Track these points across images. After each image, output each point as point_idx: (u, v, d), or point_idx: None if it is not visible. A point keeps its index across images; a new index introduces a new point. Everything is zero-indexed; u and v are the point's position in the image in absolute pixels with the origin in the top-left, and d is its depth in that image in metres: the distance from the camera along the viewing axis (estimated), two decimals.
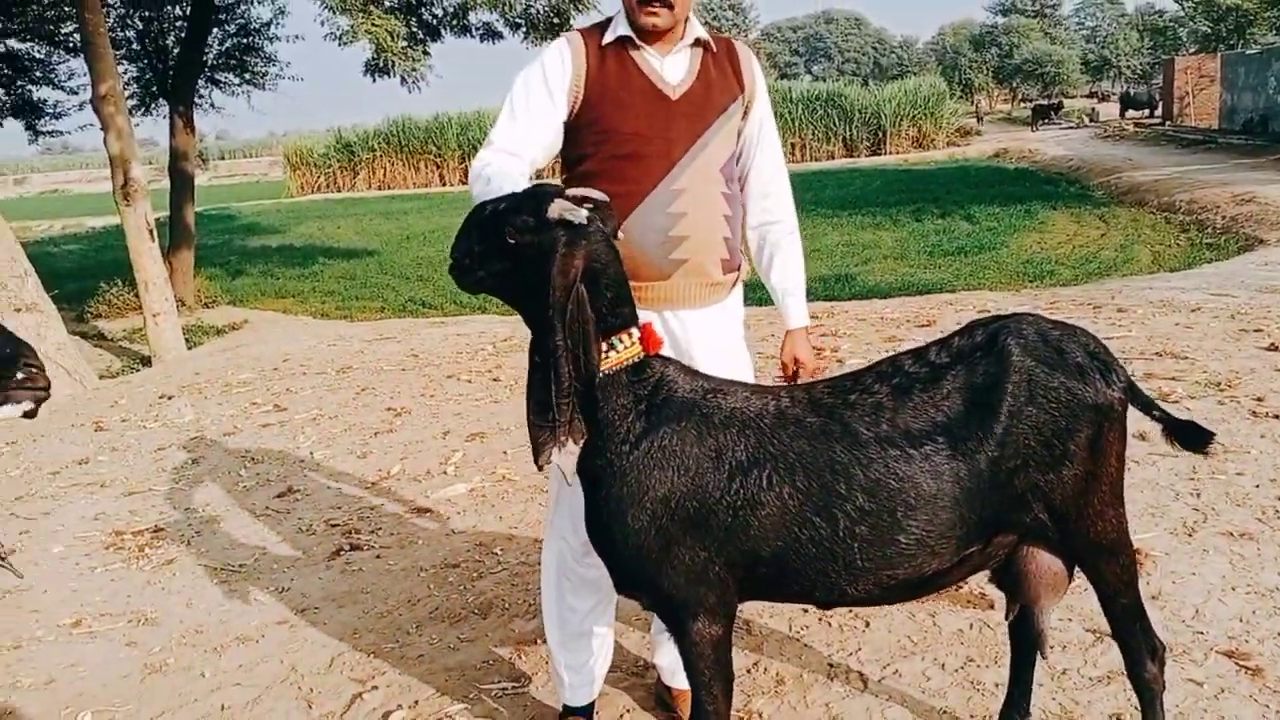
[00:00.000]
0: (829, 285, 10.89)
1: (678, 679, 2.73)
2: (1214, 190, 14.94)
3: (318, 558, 4.14)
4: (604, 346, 2.00)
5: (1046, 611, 2.15)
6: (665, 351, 2.16)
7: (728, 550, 1.97)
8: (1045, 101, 44.41)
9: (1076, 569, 2.14)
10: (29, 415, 2.03)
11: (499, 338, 8.68)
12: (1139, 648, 2.14)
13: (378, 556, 4.10)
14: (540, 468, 1.99)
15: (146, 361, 9.85)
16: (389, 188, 36.07)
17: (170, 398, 7.32)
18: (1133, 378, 2.11)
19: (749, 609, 3.29)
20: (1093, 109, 42.32)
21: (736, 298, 2.57)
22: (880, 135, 33.28)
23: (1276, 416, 4.71)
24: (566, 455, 1.96)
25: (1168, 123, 32.10)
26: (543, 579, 2.64)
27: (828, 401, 2.03)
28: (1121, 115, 38.18)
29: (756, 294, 2.89)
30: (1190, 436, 2.11)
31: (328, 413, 6.53)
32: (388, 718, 2.89)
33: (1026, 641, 2.40)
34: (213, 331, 11.62)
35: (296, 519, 4.62)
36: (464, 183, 35.98)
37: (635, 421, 2.00)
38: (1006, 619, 2.33)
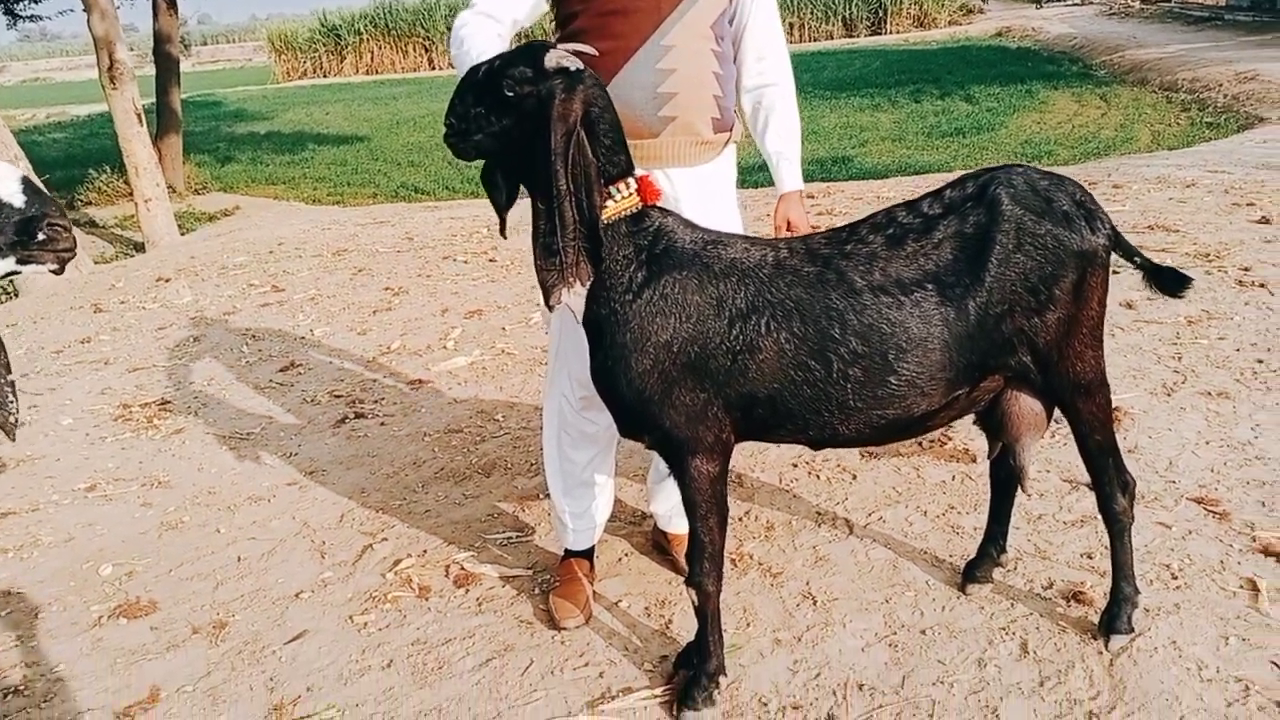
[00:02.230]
0: (826, 167, 10.82)
1: (673, 524, 2.87)
2: (1217, 68, 14.67)
3: (323, 425, 4.26)
4: (603, 195, 2.05)
5: (1027, 449, 2.26)
6: None
7: (726, 392, 2.06)
8: None
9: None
10: (55, 273, 2.08)
11: (492, 222, 8.66)
12: (1111, 482, 2.26)
13: (382, 424, 4.22)
14: (551, 308, 2.06)
15: (140, 248, 9.83)
16: (377, 73, 35.25)
17: (167, 280, 7.36)
18: (1126, 263, 2.17)
19: (739, 462, 3.42)
20: None
21: (729, 158, 2.60)
22: (881, 14, 32.36)
23: (1261, 285, 4.79)
24: (575, 296, 2.04)
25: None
26: (544, 433, 2.74)
27: (824, 251, 2.09)
28: None
29: (753, 176, 2.91)
30: (1170, 281, 2.18)
31: (325, 293, 6.58)
32: (397, 565, 3.03)
33: (1006, 481, 2.53)
34: (204, 218, 11.58)
35: (300, 390, 4.72)
36: (453, 67, 35.15)
37: (637, 271, 2.07)
38: (989, 458, 2.45)
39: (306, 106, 24.46)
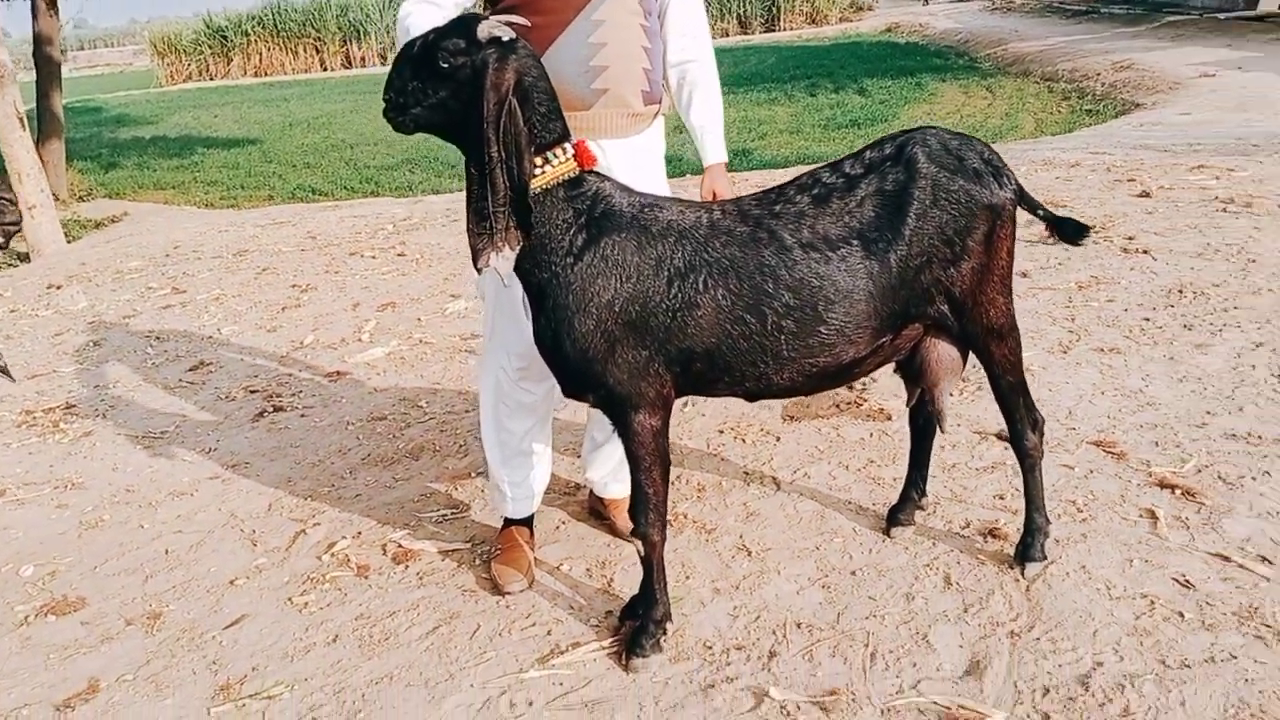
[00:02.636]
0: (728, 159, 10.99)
1: (609, 489, 2.94)
2: (1095, 59, 15.41)
3: (241, 420, 4.19)
4: (539, 161, 2.11)
5: (945, 393, 2.39)
6: None
7: (667, 349, 2.14)
8: None
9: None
10: (1, 247, 2.04)
11: (397, 218, 8.59)
12: (1022, 420, 2.42)
13: (302, 415, 4.18)
14: (479, 271, 2.10)
15: (24, 257, 9.43)
16: (266, 74, 34.31)
17: (59, 287, 7.09)
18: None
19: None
20: None
21: (658, 130, 2.68)
22: (775, 11, 32.91)
23: (1145, 251, 5.09)
24: (503, 260, 2.08)
25: None
26: (481, 405, 2.77)
27: (755, 212, 2.18)
28: None
29: (684, 165, 2.99)
30: (1070, 230, 2.34)
31: (230, 292, 6.44)
32: (333, 548, 3.02)
33: (924, 427, 2.67)
34: (91, 225, 11.14)
35: (213, 388, 4.63)
36: (345, 68, 34.69)
37: (577, 235, 2.13)
38: (908, 405, 2.58)
39: (193, 110, 23.73)
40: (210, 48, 34.96)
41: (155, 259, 7.82)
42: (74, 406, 4.54)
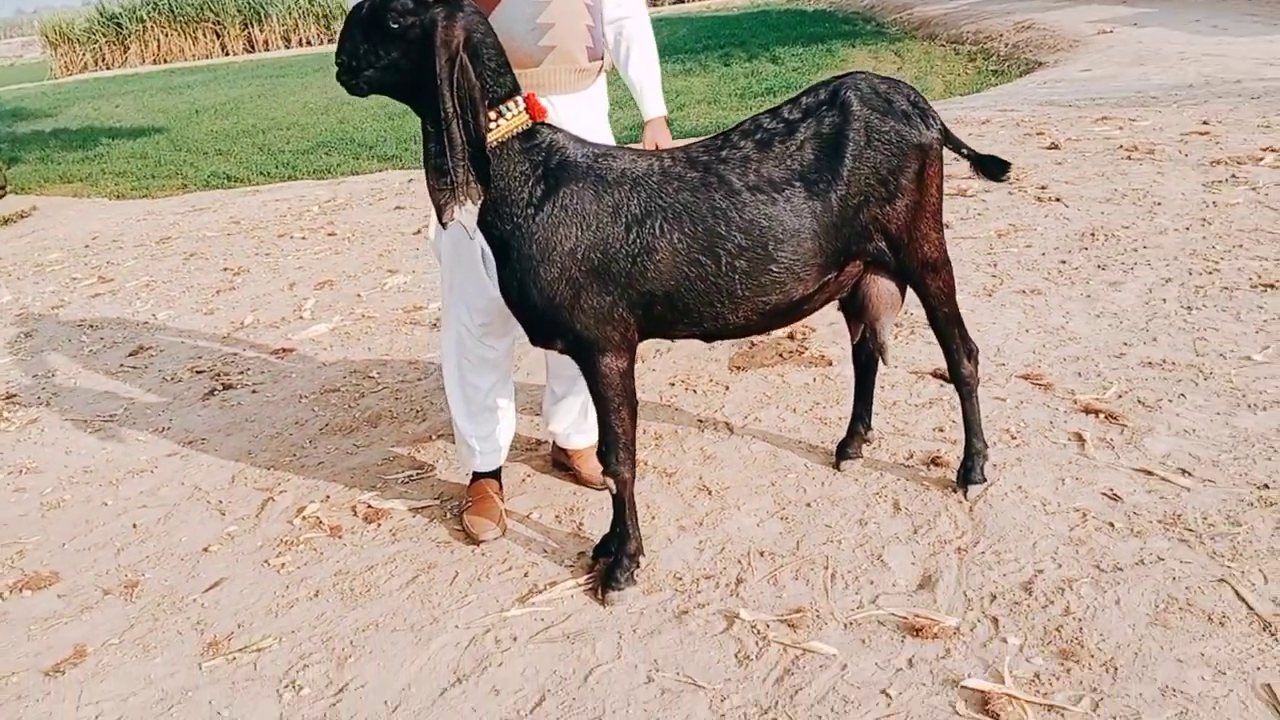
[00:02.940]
0: None
1: (572, 440, 3.05)
2: (997, 20, 15.85)
3: (191, 400, 4.19)
4: (493, 115, 2.20)
5: (886, 327, 2.56)
6: None
7: (629, 293, 2.26)
8: None
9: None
10: None
11: (321, 199, 8.52)
12: (958, 349, 2.60)
13: (254, 391, 4.19)
14: (444, 225, 2.18)
15: None
16: (165, 62, 33.23)
17: None
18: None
19: None
20: None
21: (601, 86, 2.79)
22: None
23: (1057, 199, 5.36)
24: (466, 214, 2.17)
25: None
26: (444, 363, 2.86)
27: (703, 159, 2.31)
28: None
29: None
30: (993, 166, 2.50)
31: (159, 279, 6.36)
32: (302, 512, 3.09)
33: (867, 363, 2.84)
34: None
35: (157, 371, 4.61)
36: (249, 52, 33.81)
37: (535, 186, 2.22)
38: (852, 343, 2.74)
39: (92, 100, 22.95)
40: (105, 36, 33.77)
41: (75, 250, 7.65)
42: (14, 396, 4.48)
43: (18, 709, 2.34)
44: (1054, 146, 6.58)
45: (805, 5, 26.32)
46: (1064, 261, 4.44)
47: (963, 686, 2.05)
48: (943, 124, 2.43)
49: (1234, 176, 5.45)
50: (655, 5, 32.33)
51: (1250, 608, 2.19)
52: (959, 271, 4.44)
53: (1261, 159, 5.72)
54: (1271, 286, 3.90)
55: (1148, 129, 6.87)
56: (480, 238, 2.40)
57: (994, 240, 4.85)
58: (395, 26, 2.13)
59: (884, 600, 2.35)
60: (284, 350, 4.67)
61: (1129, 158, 6.09)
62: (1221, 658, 2.06)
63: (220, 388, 4.27)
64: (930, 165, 2.38)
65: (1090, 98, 8.45)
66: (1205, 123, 6.83)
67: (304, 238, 7.02)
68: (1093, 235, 4.74)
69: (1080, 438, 2.96)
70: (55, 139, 16.91)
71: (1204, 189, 5.30)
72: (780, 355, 3.81)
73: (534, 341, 2.39)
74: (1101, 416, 3.07)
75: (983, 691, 2.02)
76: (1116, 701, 1.98)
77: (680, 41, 20.00)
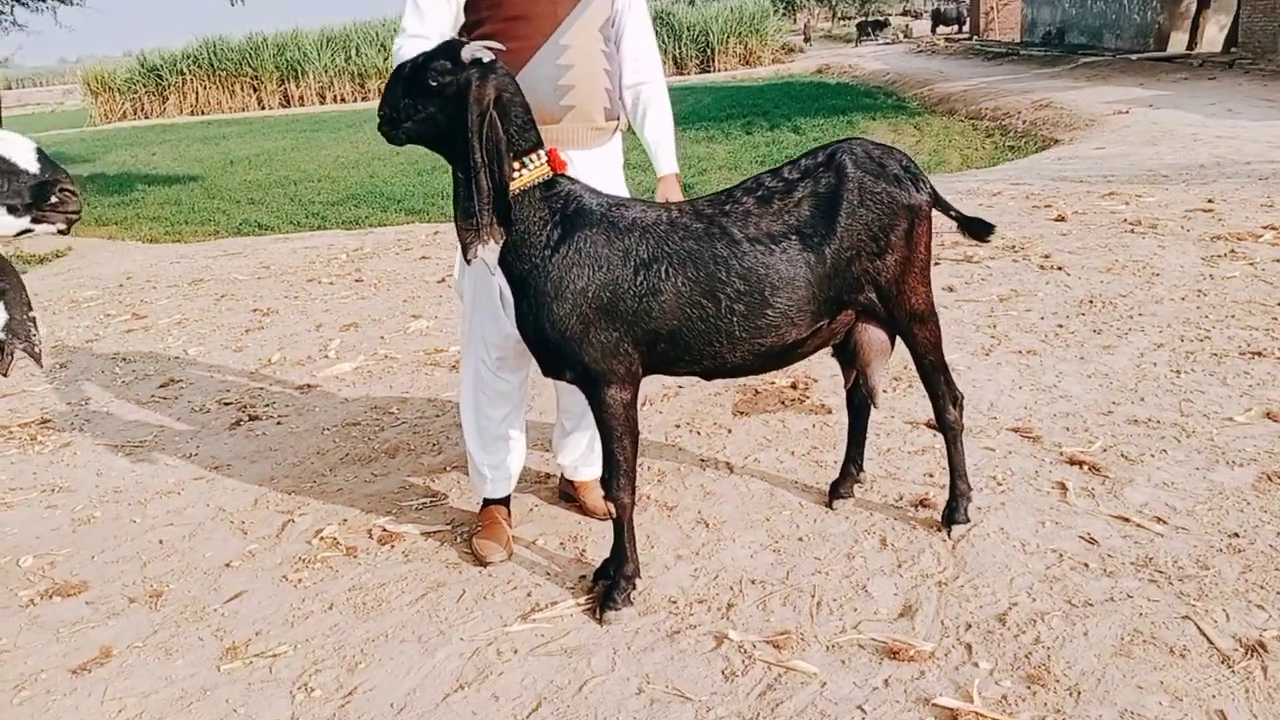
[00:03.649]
0: None
1: (580, 473, 3.22)
2: (1016, 98, 16.21)
3: (218, 429, 4.39)
4: (517, 165, 2.41)
5: (877, 373, 2.72)
6: None
7: (635, 330, 2.45)
8: (871, 19, 45.91)
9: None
10: (62, 233, 2.34)
11: (349, 248, 8.79)
12: (944, 396, 2.76)
13: (278, 423, 4.38)
14: (469, 262, 2.39)
15: None
16: (202, 113, 34.22)
17: None
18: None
19: None
20: (907, 26, 44.17)
21: (617, 144, 3.01)
22: (709, 53, 33.88)
23: (1059, 268, 5.55)
24: (489, 252, 2.38)
25: (975, 37, 34.00)
26: (461, 394, 3.04)
27: (708, 211, 2.51)
28: (933, 31, 40.03)
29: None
30: (978, 227, 2.69)
31: (191, 317, 6.60)
32: (321, 533, 3.25)
33: (860, 406, 3.00)
34: (34, 259, 11.13)
35: (186, 402, 4.81)
36: (284, 107, 34.71)
37: (553, 230, 2.43)
38: (845, 388, 2.91)
39: (130, 148, 23.64)
40: (145, 86, 34.85)
41: (109, 289, 7.93)
42: (49, 421, 4.68)
43: (46, 703, 2.50)
44: (1060, 219, 6.79)
45: (828, 78, 26.92)
46: (1061, 326, 4.61)
47: (933, 704, 2.18)
48: (932, 187, 2.63)
49: (1233, 251, 5.63)
50: (681, 74, 33.11)
51: (1211, 642, 2.32)
52: (960, 332, 4.65)
53: (1261, 236, 5.90)
54: (1259, 354, 4.05)
55: (1153, 205, 7.08)
56: (500, 276, 2.60)
57: (995, 304, 5.02)
58: (434, 84, 2.36)
59: (865, 626, 2.49)
60: (308, 386, 4.87)
61: (1132, 231, 6.28)
62: (1180, 686, 2.19)
63: (246, 419, 4.46)
64: (919, 224, 2.57)
65: (1102, 175, 8.68)
66: (1210, 200, 7.03)
67: (331, 283, 7.27)
68: (1091, 302, 4.91)
69: (1063, 486, 3.10)
70: (93, 183, 17.42)
71: (1203, 262, 5.48)
72: (782, 402, 3.97)
73: (545, 372, 2.58)
74: (1085, 468, 3.21)
75: (952, 709, 2.15)
76: None
77: (705, 109, 20.48)
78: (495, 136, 2.35)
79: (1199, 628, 2.37)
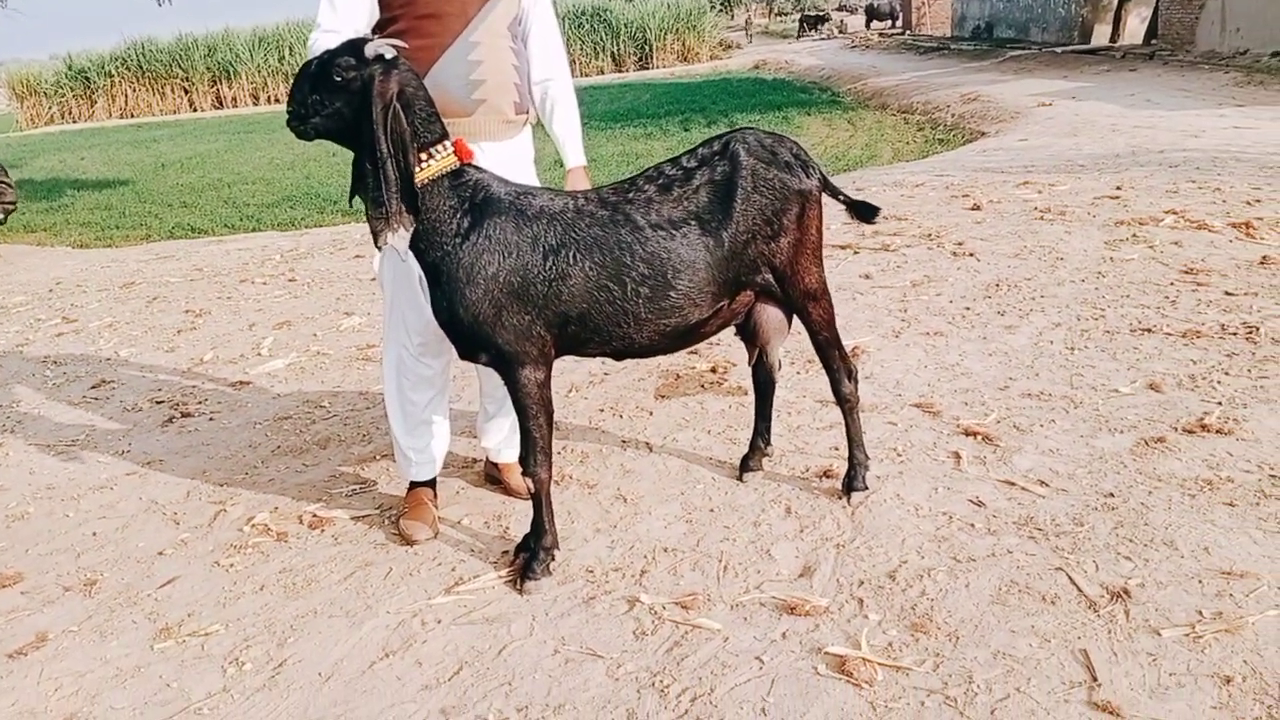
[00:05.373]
0: None
1: (503, 455, 3.35)
2: (945, 92, 16.63)
3: (150, 426, 4.44)
4: (424, 156, 2.55)
5: (776, 349, 2.91)
6: None
7: (545, 314, 2.59)
8: (812, 14, 46.37)
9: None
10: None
11: (284, 249, 8.81)
12: (839, 369, 2.94)
13: (210, 419, 4.45)
14: (379, 248, 2.52)
15: None
16: (132, 116, 33.61)
17: None
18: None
19: (556, 411, 3.94)
20: (841, 21, 44.74)
21: (527, 136, 3.15)
22: (647, 49, 34.06)
23: (971, 254, 5.79)
24: (399, 239, 2.51)
25: (908, 32, 34.60)
26: (385, 381, 3.16)
27: (612, 199, 2.66)
28: (867, 26, 40.60)
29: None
30: (864, 210, 2.88)
31: (122, 320, 6.60)
32: (252, 520, 3.35)
33: (765, 382, 3.17)
34: None
35: (119, 401, 4.85)
36: (217, 108, 34.21)
37: (463, 218, 2.56)
38: (749, 364, 3.08)
39: (58, 152, 23.18)
40: (72, 89, 34.15)
41: (39, 294, 7.86)
42: None
43: None
44: (976, 207, 7.05)
45: (765, 74, 27.24)
46: (968, 309, 4.84)
47: (825, 653, 2.36)
48: (823, 173, 2.81)
49: (1134, 236, 5.92)
50: (620, 71, 33.27)
51: (1080, 590, 2.53)
52: (873, 316, 4.86)
53: (1162, 220, 6.20)
54: (1149, 330, 4.31)
55: (1065, 193, 7.37)
56: (416, 265, 2.72)
57: (908, 289, 5.24)
58: (339, 80, 2.49)
59: (767, 586, 2.66)
60: (241, 383, 4.94)
61: (1042, 218, 6.56)
62: (1049, 629, 2.39)
63: (179, 415, 4.53)
64: (810, 208, 2.75)
65: (1023, 165, 8.98)
66: (1119, 188, 7.34)
67: (265, 283, 7.30)
68: (997, 286, 5.15)
69: (958, 455, 3.31)
70: (20, 189, 17.02)
71: (1105, 246, 5.76)
72: (702, 386, 4.14)
73: (462, 355, 2.71)
74: (979, 438, 3.42)
75: (841, 656, 2.33)
76: (954, 663, 2.29)
77: (643, 106, 20.65)
78: (399, 129, 2.48)
79: (1070, 577, 2.58)
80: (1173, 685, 2.18)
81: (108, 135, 27.14)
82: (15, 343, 6.26)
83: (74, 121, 33.76)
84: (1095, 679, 2.21)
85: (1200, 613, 2.41)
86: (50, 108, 34.24)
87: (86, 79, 34.01)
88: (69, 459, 4.13)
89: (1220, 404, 3.52)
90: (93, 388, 5.12)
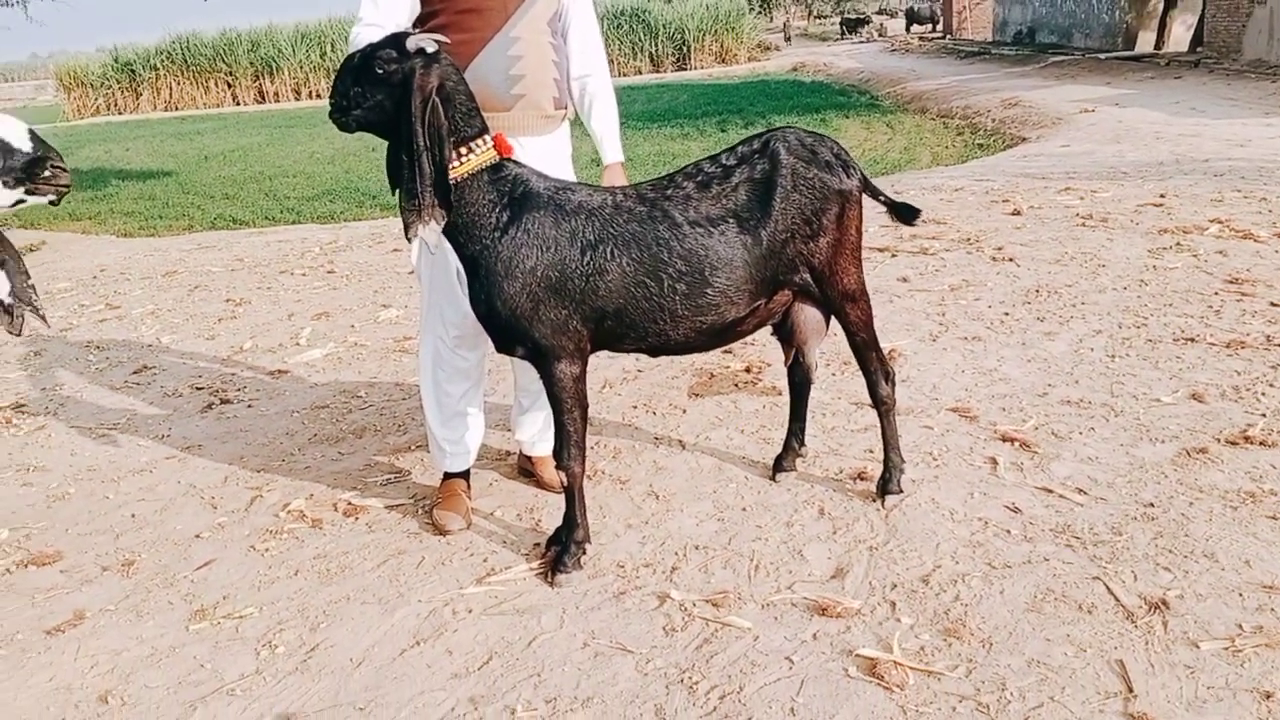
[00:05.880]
0: None
1: (537, 448, 3.37)
2: (986, 96, 16.47)
3: (190, 412, 4.50)
4: (464, 150, 2.56)
5: (813, 350, 2.90)
6: None
7: (582, 308, 2.59)
8: (853, 16, 46.21)
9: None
10: (53, 204, 2.58)
11: (323, 241, 8.89)
12: (876, 372, 2.92)
13: (249, 406, 4.51)
14: (409, 240, 2.53)
15: None
16: (177, 109, 34.09)
17: None
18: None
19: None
20: (881, 24, 44.50)
21: (565, 132, 3.16)
22: (685, 50, 34.02)
23: (1011, 259, 5.74)
24: (430, 231, 2.52)
25: (948, 36, 34.32)
26: (420, 371, 3.18)
27: (651, 195, 2.66)
28: (907, 30, 40.36)
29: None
30: (905, 212, 2.86)
31: (164, 307, 6.69)
32: (287, 507, 3.38)
33: (801, 383, 3.16)
34: None
35: (159, 387, 4.92)
36: (259, 103, 34.63)
37: (502, 212, 2.58)
38: (785, 365, 3.07)
39: (104, 143, 23.56)
40: (118, 82, 34.66)
41: (83, 280, 7.99)
42: (23, 406, 4.78)
43: (22, 660, 2.62)
44: (1016, 213, 6.99)
45: (803, 76, 27.13)
46: (1007, 314, 4.79)
47: (856, 654, 2.34)
48: (863, 173, 2.79)
49: (1178, 244, 5.83)
50: (658, 71, 33.26)
51: (1117, 600, 2.49)
52: (911, 320, 4.82)
53: (1207, 229, 6.11)
54: (1192, 340, 4.25)
55: (1107, 199, 7.28)
56: (454, 258, 2.74)
57: (946, 294, 5.20)
58: (381, 73, 2.51)
59: (799, 586, 2.65)
60: (279, 372, 4.99)
61: (1083, 224, 6.48)
62: (1085, 639, 2.36)
63: (218, 402, 4.58)
64: (850, 209, 2.73)
65: (1065, 171, 8.87)
66: (1162, 195, 7.24)
67: (304, 275, 7.37)
68: (1037, 292, 5.09)
69: (994, 461, 3.27)
70: None
71: (1148, 254, 5.68)
72: (736, 385, 4.14)
73: (498, 348, 2.72)
74: (1016, 444, 3.39)
75: (873, 659, 2.32)
76: (987, 670, 2.27)
77: (681, 107, 20.63)
78: (438, 122, 2.49)
79: (1107, 587, 2.55)
80: (1210, 699, 2.15)
81: (152, 127, 27.53)
82: (60, 327, 6.36)
83: (119, 113, 34.29)
84: (1131, 690, 2.18)
85: (1240, 626, 2.37)
86: (96, 99, 34.80)
87: (132, 71, 34.52)
88: (110, 442, 4.19)
89: (1264, 416, 3.46)
90: (134, 373, 5.20)
